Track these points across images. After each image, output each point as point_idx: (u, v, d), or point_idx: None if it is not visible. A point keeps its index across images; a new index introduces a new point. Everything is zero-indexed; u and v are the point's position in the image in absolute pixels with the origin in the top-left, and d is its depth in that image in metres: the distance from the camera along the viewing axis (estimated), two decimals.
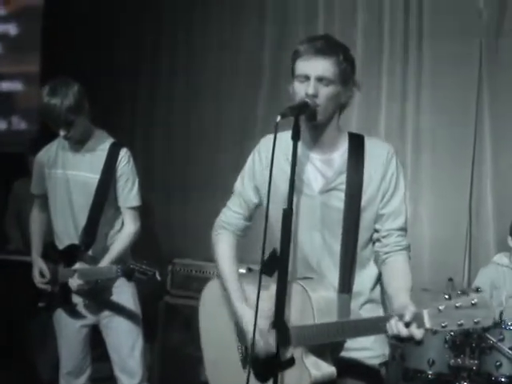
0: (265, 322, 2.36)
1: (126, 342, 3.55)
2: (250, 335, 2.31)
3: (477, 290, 2.01)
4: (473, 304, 1.96)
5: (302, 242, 2.38)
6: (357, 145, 2.39)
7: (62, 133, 3.40)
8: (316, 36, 2.38)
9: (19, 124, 5.87)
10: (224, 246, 2.58)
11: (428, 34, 4.81)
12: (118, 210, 3.55)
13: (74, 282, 3.38)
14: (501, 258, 4.25)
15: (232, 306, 2.48)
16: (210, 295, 2.67)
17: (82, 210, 3.47)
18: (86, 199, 3.46)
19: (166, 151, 5.64)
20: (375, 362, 2.40)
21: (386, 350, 2.44)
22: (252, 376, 2.38)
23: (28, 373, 4.84)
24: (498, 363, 3.81)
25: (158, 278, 3.20)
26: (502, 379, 3.80)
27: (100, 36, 5.66)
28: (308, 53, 2.28)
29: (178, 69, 5.59)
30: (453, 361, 3.93)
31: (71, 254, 3.48)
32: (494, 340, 3.82)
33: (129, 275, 3.22)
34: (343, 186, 2.35)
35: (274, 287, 2.23)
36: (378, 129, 4.91)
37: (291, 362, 2.30)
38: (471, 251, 4.65)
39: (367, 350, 2.36)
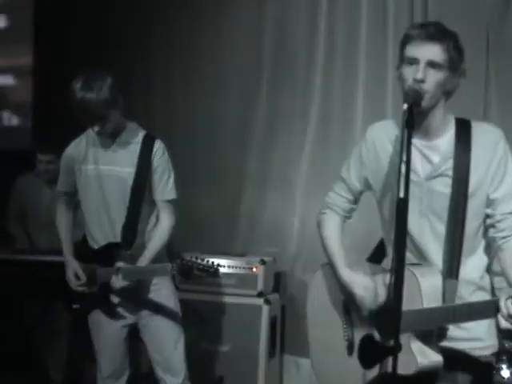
0: (371, 282, 2.45)
1: (168, 340, 3.44)
2: (357, 296, 2.43)
3: None
4: None
5: (410, 229, 2.37)
6: (463, 130, 2.38)
7: (96, 128, 3.27)
8: (428, 22, 2.40)
9: (11, 120, 5.65)
10: (329, 224, 2.66)
11: (433, 18, 4.76)
12: (151, 204, 3.43)
13: (118, 283, 3.26)
14: None
15: (339, 276, 2.52)
16: (317, 281, 2.73)
17: (117, 207, 3.35)
18: (120, 195, 3.34)
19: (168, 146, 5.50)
20: (486, 352, 2.39)
21: (496, 341, 2.42)
22: (356, 362, 2.45)
23: (40, 375, 4.70)
24: None
25: (220, 275, 3.09)
26: None
27: (95, 27, 5.48)
28: (419, 37, 2.30)
29: (174, 61, 5.46)
30: None
31: (109, 253, 3.35)
32: None
33: (186, 273, 3.09)
34: (450, 172, 2.35)
35: (381, 275, 2.32)
36: (386, 115, 4.83)
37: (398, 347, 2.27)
38: None
39: (478, 340, 2.35)
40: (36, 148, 4.84)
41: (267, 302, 4.66)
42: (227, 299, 4.70)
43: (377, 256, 2.68)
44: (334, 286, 2.61)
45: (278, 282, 5.01)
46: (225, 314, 4.68)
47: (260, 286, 4.69)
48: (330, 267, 2.63)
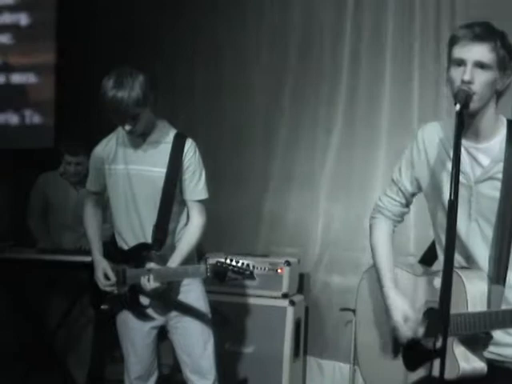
0: (414, 313, 2.41)
1: (197, 341, 3.39)
2: (393, 320, 2.42)
3: None
4: None
5: (459, 232, 2.34)
6: None
7: (127, 127, 3.22)
8: (474, 22, 2.33)
9: (32, 118, 5.62)
10: (380, 231, 2.63)
11: (461, 21, 4.70)
12: (181, 204, 3.39)
13: (149, 284, 3.21)
14: None
15: (383, 294, 2.50)
16: (365, 285, 2.72)
17: (148, 207, 3.30)
18: (151, 195, 3.29)
19: None
20: None
21: None
22: (401, 363, 2.45)
23: (63, 375, 4.67)
24: None
25: (255, 277, 3.03)
26: None
27: (119, 25, 5.44)
28: (465, 38, 2.26)
29: (198, 63, 5.42)
30: None
31: (139, 254, 3.31)
32: None
33: (221, 276, 3.04)
34: (500, 175, 2.31)
35: (427, 278, 2.31)
36: (410, 122, 4.80)
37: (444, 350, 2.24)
38: None
39: None
40: (64, 149, 4.79)
41: (292, 303, 4.62)
42: (251, 300, 4.66)
43: (428, 258, 2.67)
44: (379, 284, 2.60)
45: (301, 283, 4.97)
46: (249, 316, 4.64)
47: (285, 288, 4.64)
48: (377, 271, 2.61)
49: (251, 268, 3.04)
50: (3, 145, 5.55)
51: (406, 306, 2.42)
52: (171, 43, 5.47)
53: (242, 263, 3.07)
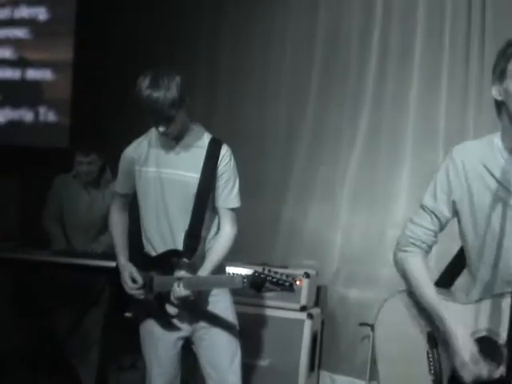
0: (471, 343, 2.27)
1: (224, 354, 3.25)
2: (460, 360, 2.25)
3: None
4: None
5: (507, 253, 2.24)
6: None
7: (161, 129, 3.09)
8: None
9: (47, 115, 5.48)
10: (418, 267, 2.43)
11: (490, 32, 4.63)
12: (213, 212, 3.26)
13: (179, 292, 3.08)
14: None
15: (437, 317, 2.34)
16: (391, 311, 2.51)
17: (178, 213, 3.17)
18: (182, 200, 3.16)
19: None
20: None
21: None
22: None
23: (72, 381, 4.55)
24: None
25: (294, 289, 2.90)
26: None
27: (139, 23, 5.32)
28: None
29: (221, 68, 5.31)
30: None
31: (168, 261, 3.18)
32: None
33: (258, 287, 2.89)
34: None
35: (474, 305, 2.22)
36: (436, 134, 4.72)
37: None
38: None
39: None
40: (76, 148, 4.67)
41: (310, 316, 4.51)
42: (268, 312, 4.55)
43: (446, 280, 2.55)
44: (415, 315, 2.44)
45: (318, 295, 4.87)
46: (265, 328, 4.53)
47: (303, 300, 4.54)
48: (408, 296, 2.47)
49: (291, 279, 2.89)
50: (16, 141, 5.42)
51: (474, 347, 2.26)
52: (191, 44, 5.36)
53: (281, 274, 2.93)
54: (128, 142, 3.34)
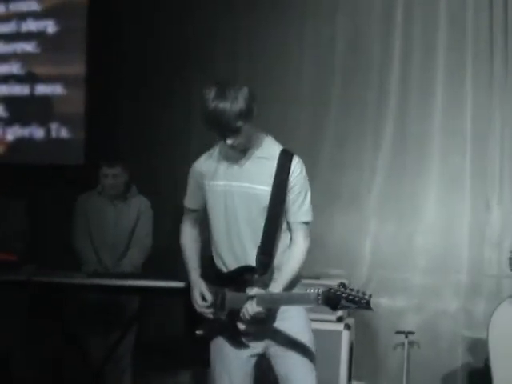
0: None
1: (297, 375, 3.13)
2: None
3: None
4: None
5: None
6: None
7: (228, 141, 3.01)
8: None
9: (59, 132, 5.31)
10: None
11: None
12: (284, 226, 3.18)
13: (252, 310, 2.99)
14: None
15: None
16: (503, 315, 2.62)
17: (250, 227, 3.07)
18: (253, 214, 3.06)
19: None
20: None
21: None
22: None
23: None
24: None
25: (372, 308, 2.77)
26: None
27: (150, 35, 5.21)
28: None
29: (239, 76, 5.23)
30: None
31: (241, 278, 3.08)
32: None
33: (334, 304, 2.79)
34: None
35: None
36: (463, 139, 4.74)
37: None
38: None
39: None
40: (102, 161, 4.54)
41: (348, 327, 4.46)
42: None
43: None
44: None
45: None
46: None
47: (339, 311, 4.47)
48: None
49: (368, 297, 2.76)
50: (27, 160, 5.23)
51: None
52: (207, 55, 5.27)
53: (357, 291, 2.83)
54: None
